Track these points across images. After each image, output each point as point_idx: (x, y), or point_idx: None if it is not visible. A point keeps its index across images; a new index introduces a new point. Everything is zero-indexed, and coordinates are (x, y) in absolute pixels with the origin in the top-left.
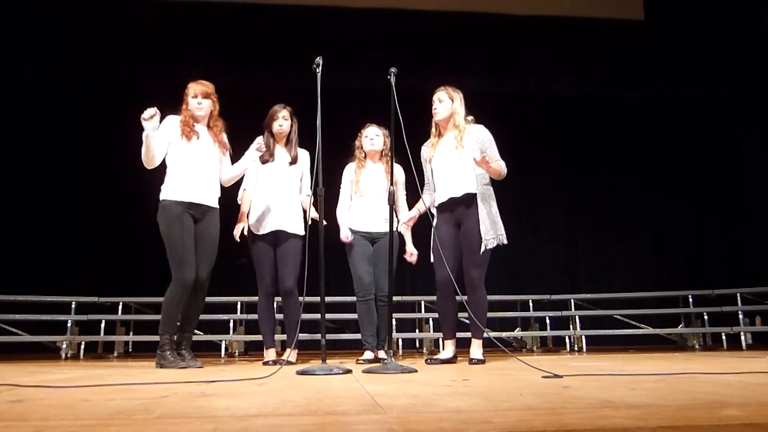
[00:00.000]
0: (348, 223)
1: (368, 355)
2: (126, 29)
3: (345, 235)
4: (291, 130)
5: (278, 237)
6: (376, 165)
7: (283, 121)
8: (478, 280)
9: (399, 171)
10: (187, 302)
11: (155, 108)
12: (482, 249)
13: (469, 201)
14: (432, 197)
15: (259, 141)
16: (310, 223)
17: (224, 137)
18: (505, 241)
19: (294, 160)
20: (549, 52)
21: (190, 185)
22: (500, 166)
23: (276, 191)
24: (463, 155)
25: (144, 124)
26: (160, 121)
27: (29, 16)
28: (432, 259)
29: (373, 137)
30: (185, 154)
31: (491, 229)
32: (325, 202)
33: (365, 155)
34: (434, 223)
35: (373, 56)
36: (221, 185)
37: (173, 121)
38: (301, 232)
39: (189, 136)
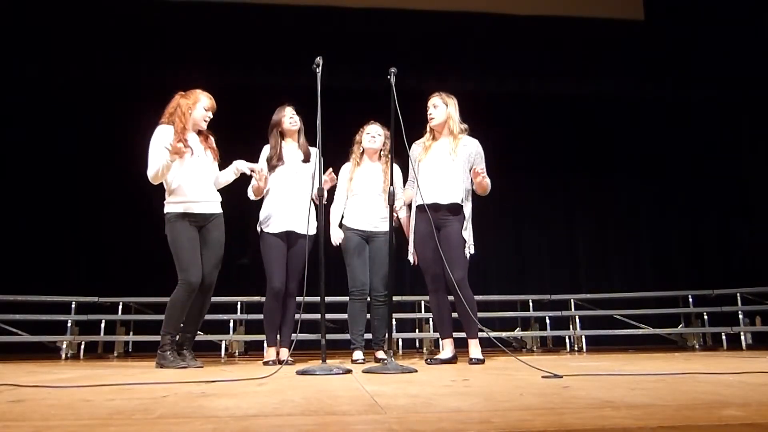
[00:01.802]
0: (343, 221)
1: (358, 354)
2: (126, 29)
3: (337, 239)
4: (300, 126)
5: (290, 237)
6: (373, 164)
7: (293, 115)
8: (463, 281)
9: (397, 172)
10: (193, 303)
11: (183, 146)
12: (467, 252)
13: (454, 210)
14: (413, 195)
15: (262, 165)
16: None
17: (212, 141)
18: (473, 252)
19: (306, 158)
20: (549, 52)
21: (189, 198)
22: (488, 182)
23: (288, 191)
24: (456, 164)
25: (172, 156)
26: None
27: (29, 16)
28: (413, 261)
29: (375, 135)
30: (181, 171)
31: (470, 236)
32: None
33: (362, 152)
34: (413, 226)
35: (373, 56)
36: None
37: (167, 134)
38: (312, 231)
39: (182, 155)
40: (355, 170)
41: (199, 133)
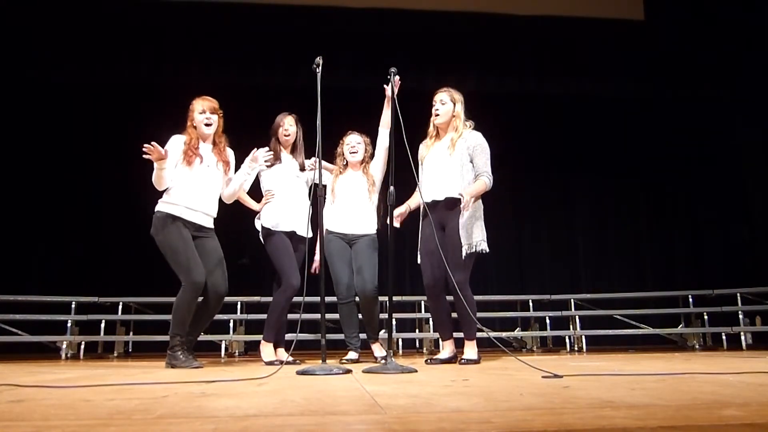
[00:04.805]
0: (325, 225)
1: (352, 355)
2: (126, 30)
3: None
4: (297, 137)
5: (293, 238)
6: (355, 172)
7: (289, 127)
8: (461, 283)
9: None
10: (202, 309)
11: (155, 146)
12: (463, 254)
13: (451, 205)
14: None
15: (260, 152)
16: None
17: (228, 155)
18: (486, 249)
19: (302, 167)
20: (549, 52)
21: (185, 204)
22: (481, 186)
23: (287, 196)
24: (453, 158)
25: (154, 161)
26: (163, 145)
27: (29, 18)
28: (419, 261)
29: (355, 145)
30: (186, 177)
31: (472, 235)
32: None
33: (346, 163)
34: (420, 225)
35: (373, 56)
36: (222, 201)
37: (178, 142)
38: (310, 233)
39: (191, 162)
40: (336, 179)
41: (214, 144)
